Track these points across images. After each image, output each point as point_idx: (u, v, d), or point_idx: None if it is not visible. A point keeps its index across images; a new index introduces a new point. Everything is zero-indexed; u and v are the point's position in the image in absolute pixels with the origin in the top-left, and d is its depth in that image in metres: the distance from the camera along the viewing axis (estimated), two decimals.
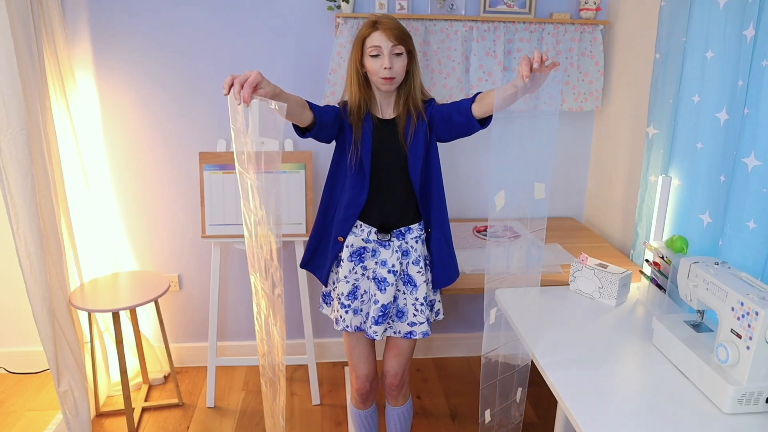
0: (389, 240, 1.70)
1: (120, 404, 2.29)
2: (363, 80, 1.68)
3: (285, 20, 2.29)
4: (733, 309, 1.20)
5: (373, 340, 1.78)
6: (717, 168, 1.58)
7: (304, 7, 2.29)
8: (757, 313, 1.13)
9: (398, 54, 1.61)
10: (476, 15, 2.30)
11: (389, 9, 2.24)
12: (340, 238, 1.72)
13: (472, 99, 1.58)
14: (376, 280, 1.70)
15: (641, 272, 1.88)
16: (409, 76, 1.68)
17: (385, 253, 1.70)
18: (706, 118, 1.62)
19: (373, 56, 1.61)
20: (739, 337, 1.17)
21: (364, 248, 1.72)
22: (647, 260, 1.83)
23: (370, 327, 1.71)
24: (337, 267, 1.76)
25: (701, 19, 1.63)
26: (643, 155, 1.96)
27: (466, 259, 2.04)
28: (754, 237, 1.41)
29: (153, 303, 2.24)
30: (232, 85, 1.25)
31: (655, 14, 1.89)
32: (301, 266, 1.85)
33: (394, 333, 1.76)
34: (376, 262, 1.71)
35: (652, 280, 1.79)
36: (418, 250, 1.72)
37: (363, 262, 1.72)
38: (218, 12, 2.27)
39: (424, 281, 1.72)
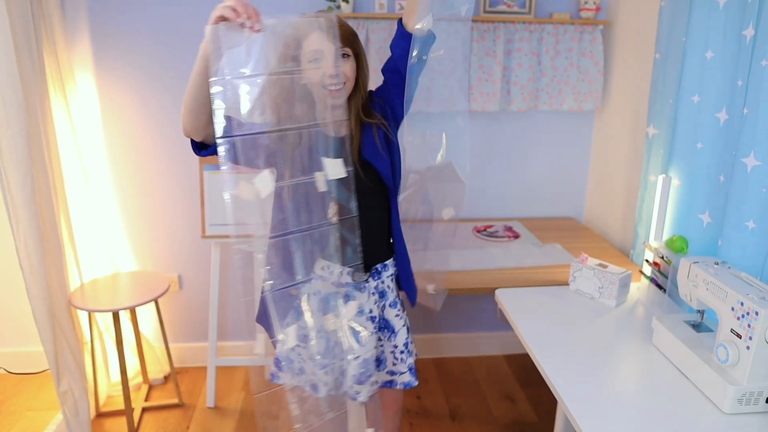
0: (366, 281, 1.45)
1: (120, 404, 2.29)
2: None
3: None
4: (733, 309, 1.20)
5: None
6: (716, 168, 1.58)
7: (305, 7, 2.29)
8: (757, 313, 1.13)
9: (345, 56, 1.34)
10: (476, 15, 2.30)
11: (389, 9, 2.24)
12: (294, 292, 1.37)
13: (399, 25, 1.37)
14: (353, 331, 1.43)
15: (641, 272, 1.88)
16: (358, 83, 1.40)
17: (361, 297, 1.45)
18: (706, 118, 1.62)
19: (312, 61, 1.31)
20: (739, 337, 1.17)
21: (336, 293, 1.43)
22: (647, 260, 1.83)
23: (352, 387, 1.44)
24: (297, 321, 1.41)
25: (701, 19, 1.63)
26: (643, 155, 1.96)
27: (466, 259, 2.04)
28: (753, 237, 1.40)
29: (153, 303, 2.24)
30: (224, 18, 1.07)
31: (655, 14, 1.89)
32: (256, 320, 1.53)
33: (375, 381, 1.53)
34: None
35: (652, 280, 1.79)
36: (394, 290, 1.52)
37: (335, 310, 1.42)
38: None
39: (403, 325, 1.52)
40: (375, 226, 1.46)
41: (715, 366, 1.23)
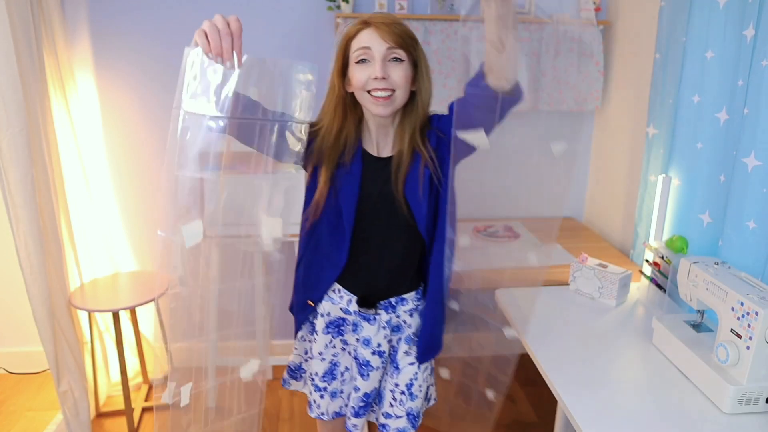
0: (375, 314, 1.31)
1: (120, 404, 2.28)
2: (348, 101, 1.21)
3: (284, 20, 2.29)
4: (733, 309, 1.20)
5: None
6: (717, 168, 1.58)
7: (304, 7, 2.28)
8: (757, 313, 1.13)
9: (397, 60, 1.15)
10: (476, 15, 2.30)
11: (389, 9, 2.24)
12: (311, 302, 1.36)
13: (481, 72, 1.17)
14: (358, 362, 1.34)
15: (641, 272, 1.88)
16: (415, 98, 1.21)
17: (368, 329, 1.31)
18: (706, 118, 1.62)
19: (359, 62, 1.15)
20: (739, 337, 1.17)
21: (344, 319, 1.34)
22: (647, 260, 1.83)
23: (350, 419, 1.36)
24: (312, 335, 1.40)
25: (701, 19, 1.63)
26: (643, 155, 1.96)
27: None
28: (754, 237, 1.41)
29: (153, 303, 2.23)
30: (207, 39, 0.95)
31: (655, 14, 1.89)
32: (289, 309, 1.52)
33: (375, 419, 1.43)
34: (357, 339, 1.34)
35: (652, 280, 1.79)
36: (413, 325, 1.34)
37: (343, 335, 1.35)
38: (217, 11, 2.26)
39: (411, 364, 1.34)
40: (395, 261, 1.30)
41: (715, 366, 1.23)
